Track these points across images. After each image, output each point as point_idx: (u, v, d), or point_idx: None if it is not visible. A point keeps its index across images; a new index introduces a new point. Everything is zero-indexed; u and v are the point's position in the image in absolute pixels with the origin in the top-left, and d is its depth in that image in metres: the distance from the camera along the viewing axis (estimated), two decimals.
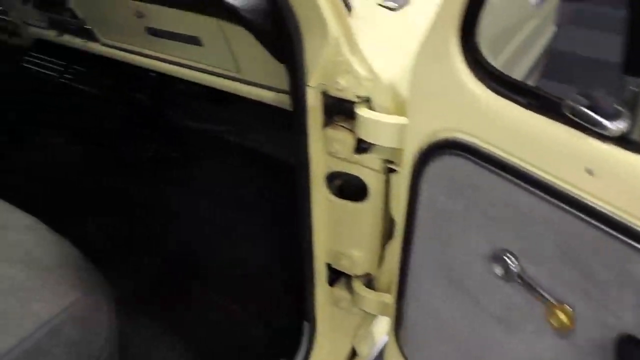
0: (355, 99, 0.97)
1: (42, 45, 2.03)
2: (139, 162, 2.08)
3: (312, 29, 0.94)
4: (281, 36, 0.98)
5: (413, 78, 0.85)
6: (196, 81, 1.38)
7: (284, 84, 1.14)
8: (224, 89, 1.30)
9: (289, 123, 1.07)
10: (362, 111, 0.97)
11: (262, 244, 1.75)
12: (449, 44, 0.76)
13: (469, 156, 0.80)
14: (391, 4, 1.15)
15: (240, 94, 1.27)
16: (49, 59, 2.03)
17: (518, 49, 1.66)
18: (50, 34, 1.81)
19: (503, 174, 0.76)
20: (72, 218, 1.96)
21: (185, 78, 1.40)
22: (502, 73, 0.76)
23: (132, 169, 2.11)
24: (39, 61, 2.05)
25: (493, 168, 0.77)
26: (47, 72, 2.01)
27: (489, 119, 0.76)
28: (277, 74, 1.13)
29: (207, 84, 1.35)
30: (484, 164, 0.78)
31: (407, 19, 1.12)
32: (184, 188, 2.00)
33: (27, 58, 2.08)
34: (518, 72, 1.76)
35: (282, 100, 1.17)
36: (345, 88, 0.97)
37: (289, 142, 1.08)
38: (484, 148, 0.78)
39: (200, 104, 1.68)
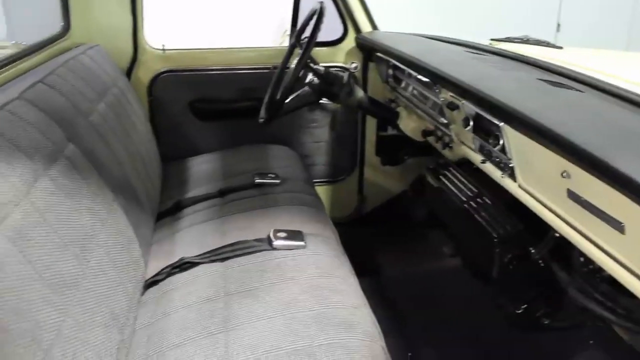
0: None
1: (462, 165, 2.13)
2: (504, 309, 1.98)
3: None
4: None
5: None
6: (604, 268, 1.19)
7: None
8: (634, 291, 1.09)
9: None
10: None
11: None
12: None
13: None
14: None
15: None
16: (463, 180, 2.11)
17: None
18: (476, 158, 1.87)
19: None
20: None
21: (592, 258, 1.23)
22: None
23: (495, 315, 2.05)
24: (454, 179, 2.15)
25: None
26: (457, 191, 2.09)
27: None
28: None
29: (617, 277, 1.16)
30: None
31: None
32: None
33: (445, 172, 2.21)
34: None
35: None
36: None
37: None
38: None
39: (598, 283, 1.47)
